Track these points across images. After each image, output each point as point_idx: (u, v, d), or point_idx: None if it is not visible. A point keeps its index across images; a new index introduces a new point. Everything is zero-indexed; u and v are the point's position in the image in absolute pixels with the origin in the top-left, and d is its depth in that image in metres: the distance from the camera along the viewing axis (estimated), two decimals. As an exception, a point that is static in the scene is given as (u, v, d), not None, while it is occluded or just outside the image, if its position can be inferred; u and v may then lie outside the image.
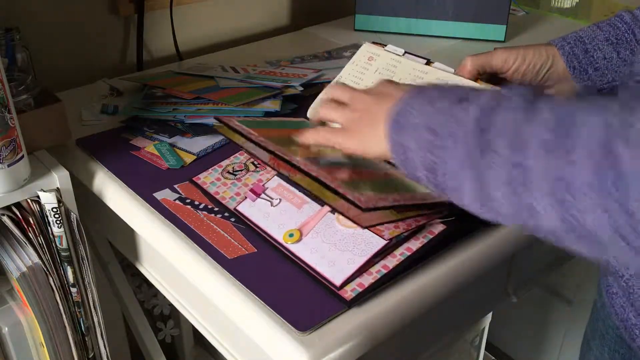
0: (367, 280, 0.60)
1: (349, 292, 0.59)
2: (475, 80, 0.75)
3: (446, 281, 0.64)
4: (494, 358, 1.58)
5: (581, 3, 1.47)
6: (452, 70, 0.77)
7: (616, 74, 0.75)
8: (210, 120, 0.86)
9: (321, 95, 0.77)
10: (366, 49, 0.83)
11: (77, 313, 0.79)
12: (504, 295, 0.86)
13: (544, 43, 0.77)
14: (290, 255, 0.63)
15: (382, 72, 0.80)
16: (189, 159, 0.81)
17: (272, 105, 0.89)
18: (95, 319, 0.81)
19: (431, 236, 0.64)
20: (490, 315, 1.12)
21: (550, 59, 0.75)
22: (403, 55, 0.81)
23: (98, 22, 1.08)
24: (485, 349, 1.20)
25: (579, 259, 0.88)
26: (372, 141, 0.56)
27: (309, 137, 0.63)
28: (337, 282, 0.59)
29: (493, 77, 0.77)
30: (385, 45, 0.83)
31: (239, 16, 1.27)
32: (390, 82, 0.60)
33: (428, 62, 0.79)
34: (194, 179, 0.75)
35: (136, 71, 1.14)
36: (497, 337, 1.62)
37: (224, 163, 0.77)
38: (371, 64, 0.81)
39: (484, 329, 1.15)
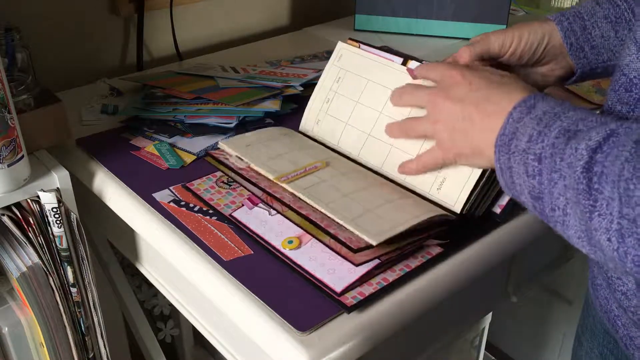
0: (367, 290, 0.60)
1: (349, 299, 0.58)
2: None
3: (446, 281, 0.64)
4: (494, 358, 1.57)
5: (581, 3, 1.46)
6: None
7: (612, 53, 0.72)
8: (210, 120, 0.86)
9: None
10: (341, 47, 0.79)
11: (77, 313, 0.79)
12: (504, 295, 0.86)
13: (540, 20, 0.74)
14: (288, 261, 0.63)
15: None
16: (189, 159, 0.81)
17: (272, 105, 0.89)
18: (95, 319, 0.81)
19: (429, 256, 0.64)
20: (490, 315, 1.12)
21: (547, 36, 0.72)
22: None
23: (98, 22, 1.08)
24: (485, 349, 1.20)
25: (579, 259, 0.88)
26: (471, 156, 0.60)
27: (394, 130, 0.67)
28: (338, 288, 0.59)
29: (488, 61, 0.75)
30: (359, 46, 0.79)
31: (239, 16, 1.27)
32: (488, 75, 0.61)
33: (405, 62, 0.74)
34: (187, 184, 0.75)
35: (136, 71, 1.14)
36: (497, 337, 1.62)
37: (219, 173, 0.76)
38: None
39: (484, 329, 1.15)
